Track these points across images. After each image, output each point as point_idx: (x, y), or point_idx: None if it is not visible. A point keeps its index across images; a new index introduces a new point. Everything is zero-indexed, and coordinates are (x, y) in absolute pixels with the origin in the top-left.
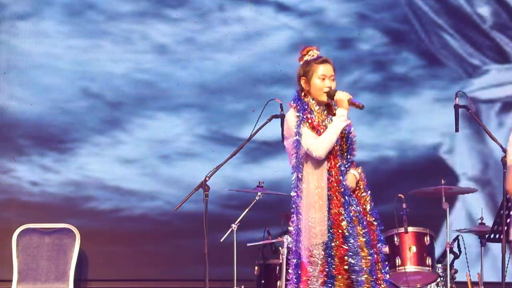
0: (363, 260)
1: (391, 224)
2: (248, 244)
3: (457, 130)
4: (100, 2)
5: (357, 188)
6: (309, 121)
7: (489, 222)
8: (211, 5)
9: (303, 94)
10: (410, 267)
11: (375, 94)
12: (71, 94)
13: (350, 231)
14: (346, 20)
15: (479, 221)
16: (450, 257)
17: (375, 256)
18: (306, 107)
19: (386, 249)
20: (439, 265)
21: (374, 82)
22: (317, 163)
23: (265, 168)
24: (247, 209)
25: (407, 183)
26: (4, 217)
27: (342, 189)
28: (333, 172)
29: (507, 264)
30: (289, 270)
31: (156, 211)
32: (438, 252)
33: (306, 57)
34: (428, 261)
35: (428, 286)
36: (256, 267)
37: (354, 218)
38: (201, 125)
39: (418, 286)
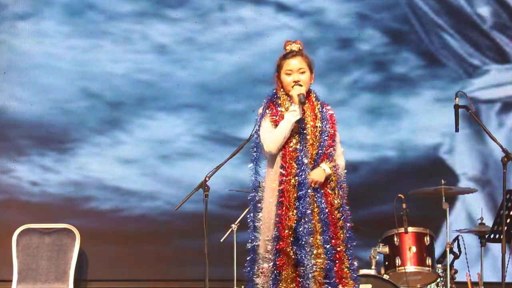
0: (314, 258)
1: (391, 224)
2: (248, 245)
3: (457, 130)
4: (100, 2)
5: (327, 183)
6: (273, 116)
7: (489, 222)
8: (211, 5)
9: (281, 89)
10: (410, 267)
11: (375, 94)
12: (71, 94)
13: (300, 228)
14: (346, 20)
15: (479, 221)
16: (450, 257)
17: (337, 253)
18: (276, 101)
19: (386, 249)
20: (439, 265)
21: (374, 82)
22: (272, 157)
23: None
24: (247, 209)
25: (407, 183)
26: (4, 217)
27: (295, 184)
28: (287, 166)
29: (507, 264)
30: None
31: (156, 211)
32: (438, 252)
33: (284, 52)
34: (428, 261)
35: (428, 286)
36: None
37: (310, 213)
38: (201, 125)
39: (418, 286)
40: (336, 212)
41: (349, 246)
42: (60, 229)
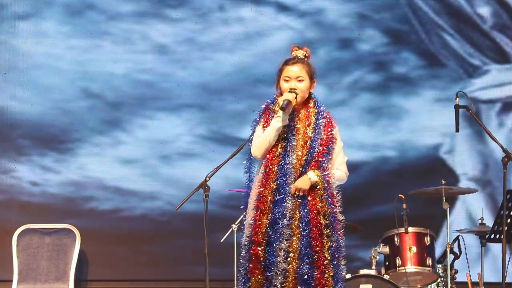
0: (288, 263)
1: (391, 224)
2: None
3: (457, 130)
4: (100, 2)
5: (316, 191)
6: (264, 122)
7: (489, 222)
8: (211, 5)
9: (280, 95)
10: (411, 268)
11: (375, 94)
12: (71, 94)
13: (271, 233)
14: (346, 20)
15: (479, 221)
16: (450, 257)
17: (319, 260)
18: (271, 108)
19: (386, 249)
20: (440, 266)
21: (374, 82)
22: (260, 163)
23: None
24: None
25: (407, 183)
26: (4, 217)
27: (274, 188)
28: (268, 171)
29: (507, 264)
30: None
31: (156, 211)
32: (438, 252)
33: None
34: (429, 261)
35: (428, 286)
36: None
37: (286, 219)
38: (201, 125)
39: (418, 286)
40: (322, 219)
41: (335, 255)
42: (60, 229)
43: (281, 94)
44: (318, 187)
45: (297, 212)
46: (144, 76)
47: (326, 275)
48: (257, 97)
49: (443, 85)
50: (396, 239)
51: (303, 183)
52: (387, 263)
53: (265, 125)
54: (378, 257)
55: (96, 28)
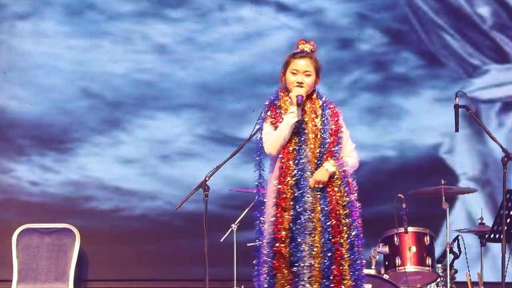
0: (312, 258)
1: (391, 224)
2: (248, 244)
3: (457, 130)
4: (100, 2)
5: (332, 181)
6: (272, 118)
7: (489, 222)
8: (211, 5)
9: (284, 90)
10: (410, 267)
11: (375, 94)
12: (71, 94)
13: (294, 228)
14: (346, 20)
15: (479, 221)
16: (450, 257)
17: (336, 251)
18: (276, 103)
19: (385, 249)
20: (439, 265)
21: (374, 82)
22: (273, 159)
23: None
24: (247, 209)
25: (407, 183)
26: (4, 217)
27: (292, 184)
28: (284, 167)
29: (507, 264)
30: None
31: (156, 211)
32: (438, 252)
33: (295, 49)
34: (428, 261)
35: (428, 286)
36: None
37: (307, 213)
38: (201, 125)
39: (418, 286)
40: (341, 210)
41: (355, 244)
42: (60, 229)
43: (286, 86)
44: (336, 176)
45: (317, 205)
46: (144, 76)
47: (342, 267)
48: (257, 97)
49: (443, 85)
50: (395, 238)
51: (321, 175)
52: (386, 262)
53: (273, 122)
54: (377, 257)
55: (96, 28)
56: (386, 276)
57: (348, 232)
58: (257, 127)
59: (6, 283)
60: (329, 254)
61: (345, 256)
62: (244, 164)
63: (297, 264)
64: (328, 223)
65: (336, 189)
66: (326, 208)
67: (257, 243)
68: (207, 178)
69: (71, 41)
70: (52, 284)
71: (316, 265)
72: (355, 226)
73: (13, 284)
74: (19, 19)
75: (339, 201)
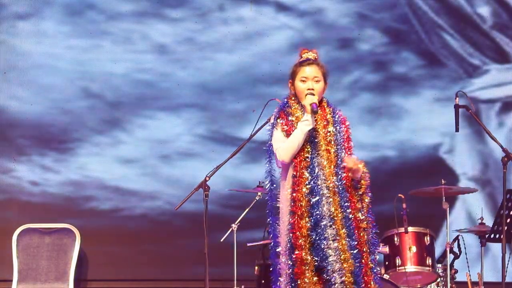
0: (341, 262)
1: (391, 224)
2: (248, 244)
3: (457, 130)
4: (100, 2)
5: (358, 185)
6: (284, 126)
7: (489, 222)
8: (211, 5)
9: (293, 97)
10: (410, 267)
11: (375, 94)
12: (71, 94)
13: (314, 236)
14: (346, 20)
15: (479, 221)
16: (450, 257)
17: (363, 257)
18: (286, 111)
19: (386, 249)
20: (439, 265)
21: (374, 82)
22: (286, 167)
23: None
24: (247, 209)
25: (407, 183)
26: (4, 217)
27: (307, 192)
28: (298, 175)
29: (507, 264)
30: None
31: (156, 211)
32: (438, 252)
33: (299, 59)
34: (428, 261)
35: (428, 286)
36: (256, 267)
37: (327, 219)
38: (201, 125)
39: (418, 286)
40: (359, 214)
41: (371, 249)
42: (60, 229)
43: (295, 95)
44: (361, 184)
45: (338, 212)
46: (144, 76)
47: (368, 268)
48: (257, 97)
49: (443, 85)
50: (396, 238)
51: (350, 161)
52: (387, 262)
53: (286, 129)
54: (378, 257)
55: (96, 28)
56: (386, 276)
57: (366, 236)
58: (257, 127)
59: (6, 283)
60: (357, 260)
61: (368, 260)
62: (244, 164)
63: (326, 270)
64: (352, 230)
65: (356, 196)
66: (348, 215)
67: (274, 250)
68: (207, 178)
69: (71, 41)
70: (52, 284)
71: (347, 271)
72: (371, 231)
73: (13, 284)
74: (19, 19)
75: (357, 207)
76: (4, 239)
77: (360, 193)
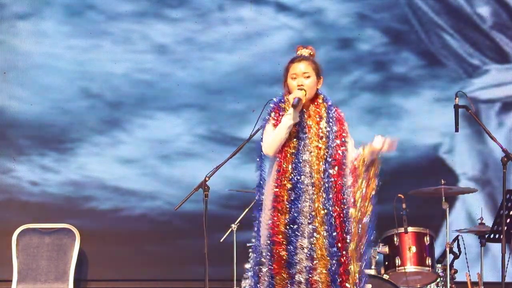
0: (317, 259)
1: (391, 224)
2: (248, 244)
3: (457, 130)
4: (100, 2)
5: (369, 170)
6: (274, 120)
7: (489, 222)
8: (211, 5)
9: (288, 94)
10: (410, 267)
11: (375, 94)
12: (71, 94)
13: (290, 232)
14: (346, 20)
15: (479, 221)
16: (450, 257)
17: (342, 257)
18: (280, 106)
19: (385, 249)
20: (439, 265)
21: (374, 82)
22: (272, 161)
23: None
24: (247, 209)
25: (407, 183)
26: (4, 217)
27: (290, 187)
28: (282, 170)
29: (507, 264)
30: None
31: (156, 211)
32: (438, 252)
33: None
34: (428, 261)
35: (428, 286)
36: None
37: (303, 216)
38: (201, 125)
39: (418, 286)
40: (352, 210)
41: (362, 241)
42: (60, 229)
43: (289, 92)
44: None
45: (320, 209)
46: (143, 76)
47: (348, 271)
48: (257, 97)
49: (442, 85)
50: (395, 239)
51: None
52: (386, 263)
53: (275, 123)
54: (377, 257)
55: (96, 28)
56: (386, 276)
57: (360, 230)
58: (257, 127)
59: (6, 283)
60: (335, 258)
61: (350, 264)
62: (244, 164)
63: (294, 266)
64: (333, 228)
65: (341, 193)
66: (330, 211)
67: (255, 244)
68: (207, 178)
69: (71, 41)
70: (52, 284)
71: (322, 269)
72: (369, 223)
73: (13, 284)
74: (19, 19)
75: (345, 204)
76: (4, 239)
77: (370, 175)
